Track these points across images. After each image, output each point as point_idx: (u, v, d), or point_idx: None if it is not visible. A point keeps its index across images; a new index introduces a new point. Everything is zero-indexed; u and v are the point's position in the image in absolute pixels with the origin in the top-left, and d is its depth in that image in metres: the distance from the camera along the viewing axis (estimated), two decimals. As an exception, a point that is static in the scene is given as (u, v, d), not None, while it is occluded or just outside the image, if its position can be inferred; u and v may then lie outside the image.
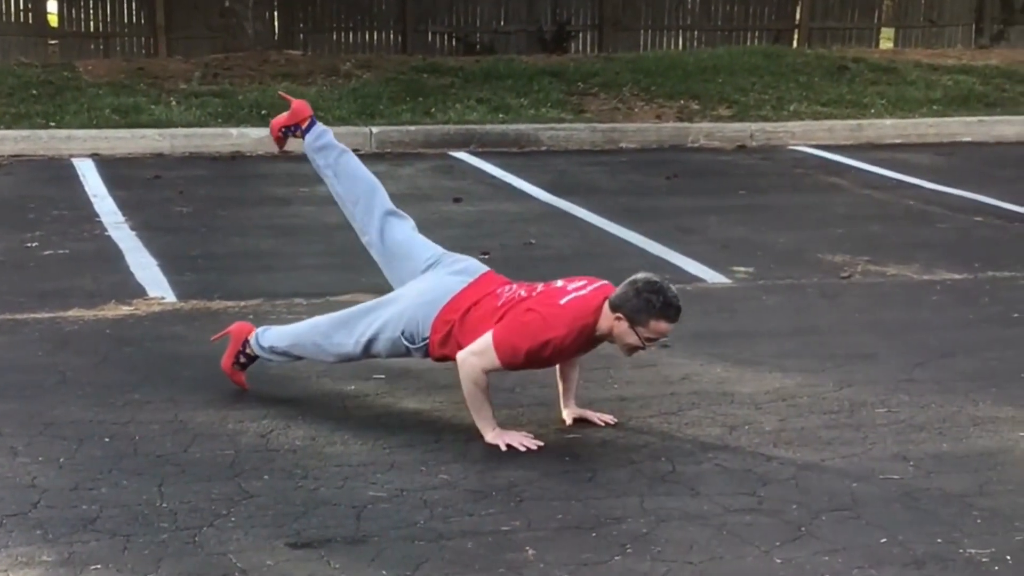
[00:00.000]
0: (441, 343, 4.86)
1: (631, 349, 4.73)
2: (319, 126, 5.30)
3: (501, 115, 11.92)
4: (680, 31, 17.83)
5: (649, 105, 12.63)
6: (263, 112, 11.28)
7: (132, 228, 8.18)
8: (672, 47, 17.49)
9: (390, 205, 5.21)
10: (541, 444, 4.74)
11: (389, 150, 11.10)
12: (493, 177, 10.19)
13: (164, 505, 4.20)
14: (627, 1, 17.47)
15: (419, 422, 5.00)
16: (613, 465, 4.62)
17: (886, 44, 18.62)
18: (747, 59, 14.28)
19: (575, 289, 4.76)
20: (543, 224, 8.59)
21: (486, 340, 4.68)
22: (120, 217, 8.45)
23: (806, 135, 12.02)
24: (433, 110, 11.94)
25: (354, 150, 5.43)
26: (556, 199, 9.35)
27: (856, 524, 4.18)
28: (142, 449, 4.66)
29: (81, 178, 9.69)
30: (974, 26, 18.67)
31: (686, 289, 6.45)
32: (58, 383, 5.33)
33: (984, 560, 3.95)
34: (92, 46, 15.97)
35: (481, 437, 4.77)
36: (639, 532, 4.08)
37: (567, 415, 5.02)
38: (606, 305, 4.66)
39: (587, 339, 4.73)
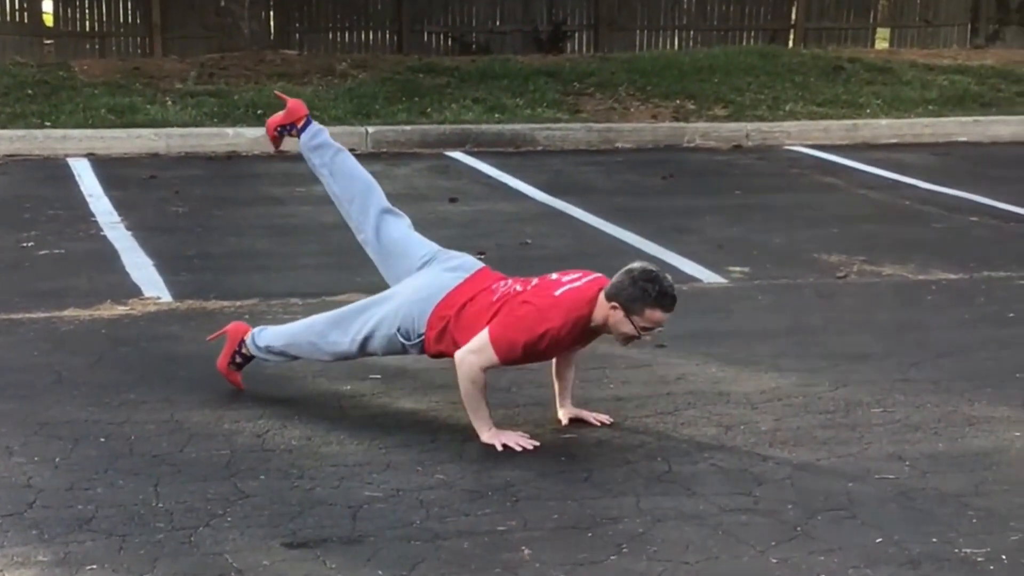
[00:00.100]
0: (437, 339, 4.86)
1: (627, 339, 4.73)
2: (315, 125, 5.30)
3: (497, 115, 11.92)
4: (676, 31, 17.84)
5: (645, 105, 12.63)
6: (259, 112, 11.29)
7: (128, 228, 8.17)
8: (668, 47, 17.49)
9: (386, 203, 5.21)
10: (537, 444, 4.74)
11: (385, 150, 11.10)
12: (489, 177, 10.19)
13: (160, 505, 4.20)
14: (623, 1, 17.47)
15: (415, 422, 5.00)
16: (609, 465, 4.62)
17: (882, 44, 18.64)
18: (743, 59, 14.29)
19: (570, 281, 4.77)
20: (539, 224, 8.59)
21: (483, 338, 4.68)
22: (116, 217, 8.45)
23: (802, 135, 12.03)
24: (429, 110, 11.94)
25: (350, 150, 5.42)
26: (552, 199, 9.36)
27: (852, 524, 4.18)
28: (138, 449, 4.66)
29: (77, 178, 9.68)
30: (969, 26, 18.68)
31: (682, 289, 6.40)
32: (54, 383, 5.33)
33: (979, 560, 3.95)
34: (88, 46, 15.95)
35: (477, 437, 4.77)
36: (635, 532, 4.08)
37: (563, 415, 5.02)
38: (601, 295, 4.67)
39: (583, 330, 4.73)
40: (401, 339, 4.92)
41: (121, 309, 6.41)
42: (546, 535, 4.06)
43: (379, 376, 5.45)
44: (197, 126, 11.08)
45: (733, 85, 13.21)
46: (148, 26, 15.95)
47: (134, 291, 6.76)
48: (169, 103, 11.66)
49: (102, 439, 4.73)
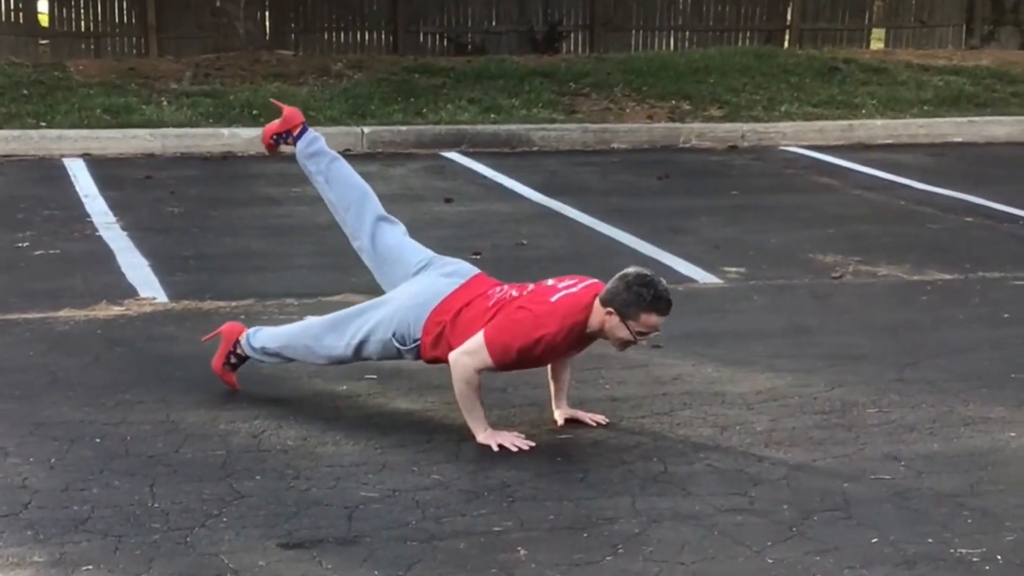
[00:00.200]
0: (432, 344, 4.87)
1: (623, 344, 4.74)
2: (311, 132, 5.31)
3: (492, 115, 11.92)
4: (671, 31, 17.84)
5: (640, 105, 12.64)
6: (254, 112, 11.29)
7: (123, 228, 8.17)
8: (663, 47, 17.49)
9: (381, 211, 5.23)
10: (533, 444, 4.75)
11: (380, 150, 11.09)
12: (484, 177, 10.19)
13: (156, 505, 4.20)
14: (618, 1, 17.47)
15: (411, 422, 5.01)
16: (605, 465, 4.63)
17: (877, 45, 18.65)
18: (738, 60, 14.29)
19: (565, 287, 4.77)
20: (535, 224, 8.60)
21: (478, 340, 4.69)
22: (111, 217, 8.44)
23: (797, 135, 12.04)
24: (424, 110, 11.94)
25: (345, 150, 5.44)
26: (548, 199, 9.36)
27: (847, 524, 4.18)
28: (133, 449, 4.66)
29: (72, 178, 9.67)
30: (964, 27, 18.69)
31: (677, 289, 6.44)
32: (49, 383, 5.32)
33: (975, 560, 3.95)
34: (83, 46, 15.93)
35: (473, 437, 4.77)
36: (631, 532, 4.08)
37: (559, 415, 5.02)
38: (596, 301, 4.68)
39: (578, 336, 4.74)
40: (397, 344, 4.92)
41: (117, 310, 6.41)
42: (542, 535, 4.06)
43: (375, 376, 5.45)
44: (193, 126, 11.07)
45: (729, 86, 13.22)
46: (143, 26, 15.94)
47: (130, 291, 6.75)
48: (165, 103, 11.65)
49: (98, 439, 4.73)
